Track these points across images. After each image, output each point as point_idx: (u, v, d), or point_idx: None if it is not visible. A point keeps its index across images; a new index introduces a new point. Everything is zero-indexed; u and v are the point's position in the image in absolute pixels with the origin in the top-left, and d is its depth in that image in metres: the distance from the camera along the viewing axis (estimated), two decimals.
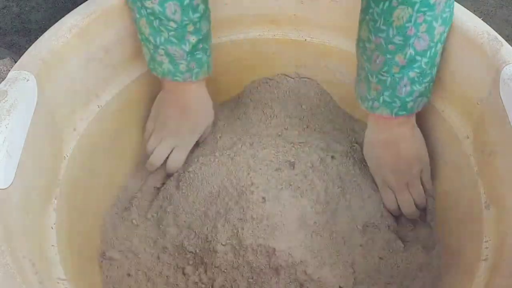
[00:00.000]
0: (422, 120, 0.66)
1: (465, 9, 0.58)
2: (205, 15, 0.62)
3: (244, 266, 0.61)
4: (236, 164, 0.67)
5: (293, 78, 0.78)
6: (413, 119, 0.64)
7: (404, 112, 0.61)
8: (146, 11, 0.59)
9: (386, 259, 0.65)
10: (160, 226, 0.67)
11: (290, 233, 0.61)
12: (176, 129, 0.70)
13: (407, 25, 0.53)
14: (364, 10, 0.57)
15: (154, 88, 0.71)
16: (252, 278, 0.61)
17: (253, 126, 0.76)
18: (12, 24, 1.20)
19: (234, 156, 0.68)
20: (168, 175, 0.71)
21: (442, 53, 0.58)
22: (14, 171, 0.46)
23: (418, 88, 0.58)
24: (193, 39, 0.61)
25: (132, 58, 0.66)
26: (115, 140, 0.68)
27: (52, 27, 0.57)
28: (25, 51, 0.54)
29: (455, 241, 0.61)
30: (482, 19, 0.56)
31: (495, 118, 0.53)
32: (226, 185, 0.66)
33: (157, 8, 0.58)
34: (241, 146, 0.70)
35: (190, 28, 0.60)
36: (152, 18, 0.59)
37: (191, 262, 0.64)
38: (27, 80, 0.50)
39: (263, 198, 0.63)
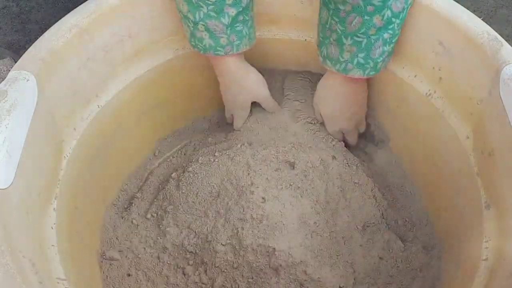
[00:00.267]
0: (422, 120, 0.66)
1: (465, 9, 0.58)
2: None
3: (244, 266, 0.61)
4: (236, 164, 0.67)
5: (293, 78, 0.78)
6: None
7: (374, 72, 0.62)
8: None
9: (386, 259, 0.65)
10: (160, 226, 0.67)
11: (290, 233, 0.61)
12: (233, 102, 0.74)
13: None
14: None
15: (154, 88, 0.71)
16: (252, 278, 0.60)
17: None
18: (12, 24, 1.20)
19: (234, 156, 0.68)
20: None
21: None
22: (14, 171, 0.46)
23: (387, 48, 0.60)
24: (232, 11, 0.61)
25: (132, 58, 0.66)
26: (115, 140, 0.68)
27: (52, 27, 0.57)
28: (25, 51, 0.54)
29: (455, 241, 0.61)
30: (482, 19, 0.56)
31: (495, 118, 0.53)
32: (226, 185, 0.66)
33: None
34: (241, 146, 0.70)
35: (229, 0, 0.60)
36: None
37: (191, 262, 0.64)
38: (27, 80, 0.50)
39: (263, 198, 0.63)
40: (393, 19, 0.57)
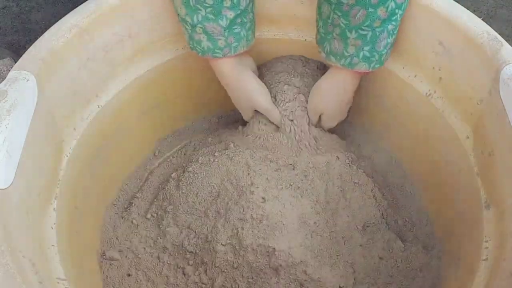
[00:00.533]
0: (422, 120, 0.66)
1: (465, 9, 0.58)
2: None
3: (244, 266, 0.61)
4: (235, 164, 0.67)
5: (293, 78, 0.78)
6: None
7: (379, 65, 0.62)
8: None
9: (386, 259, 0.65)
10: (160, 226, 0.67)
11: (290, 233, 0.61)
12: (236, 102, 0.73)
13: None
14: None
15: (154, 88, 0.71)
16: (252, 278, 0.60)
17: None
18: (12, 24, 1.20)
19: (234, 156, 0.68)
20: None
21: None
22: (14, 171, 0.46)
23: (391, 40, 0.60)
24: (230, 14, 0.61)
25: (132, 58, 0.66)
26: (115, 140, 0.68)
27: (52, 27, 0.57)
28: (25, 51, 0.54)
29: (455, 241, 0.61)
30: (482, 19, 0.57)
31: (495, 118, 0.53)
32: (226, 185, 0.65)
33: None
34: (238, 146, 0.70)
35: (227, 3, 0.60)
36: None
37: (191, 262, 0.64)
38: (27, 80, 0.50)
39: (263, 198, 0.63)
40: (397, 10, 0.57)
